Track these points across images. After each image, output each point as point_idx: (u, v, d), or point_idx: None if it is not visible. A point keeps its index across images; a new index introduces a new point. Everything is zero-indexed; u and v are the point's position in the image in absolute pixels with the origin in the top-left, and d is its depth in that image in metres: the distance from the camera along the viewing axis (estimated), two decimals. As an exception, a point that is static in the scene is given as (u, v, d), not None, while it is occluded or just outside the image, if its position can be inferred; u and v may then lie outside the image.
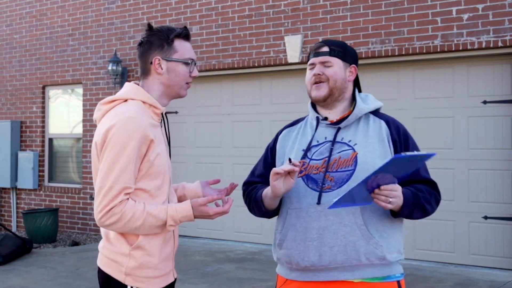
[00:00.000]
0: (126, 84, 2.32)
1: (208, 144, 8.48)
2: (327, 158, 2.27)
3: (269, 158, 2.49)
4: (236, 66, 7.93)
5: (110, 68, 8.65)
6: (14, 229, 9.93)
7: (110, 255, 2.23)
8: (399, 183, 2.13)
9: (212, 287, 5.87)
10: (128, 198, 2.14)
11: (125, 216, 2.11)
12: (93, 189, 9.14)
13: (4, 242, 7.31)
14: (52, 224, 8.81)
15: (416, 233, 6.73)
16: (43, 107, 9.88)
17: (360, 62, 7.69)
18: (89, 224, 9.20)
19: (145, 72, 2.30)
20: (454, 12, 6.45)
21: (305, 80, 2.43)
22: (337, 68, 2.34)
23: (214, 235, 8.34)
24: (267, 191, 2.30)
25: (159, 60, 2.25)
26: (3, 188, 10.18)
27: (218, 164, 8.34)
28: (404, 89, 6.95)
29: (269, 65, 7.70)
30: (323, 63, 2.34)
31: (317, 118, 2.38)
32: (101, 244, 2.30)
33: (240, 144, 8.17)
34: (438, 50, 6.52)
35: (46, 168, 9.84)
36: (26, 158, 9.75)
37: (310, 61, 2.39)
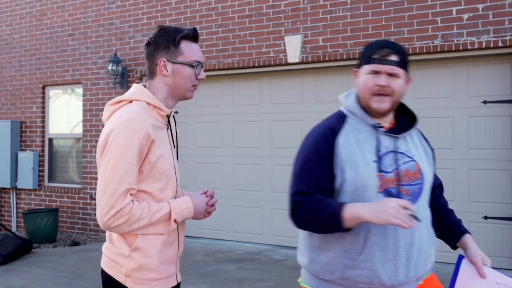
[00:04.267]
0: (134, 85, 2.31)
1: (208, 144, 8.48)
2: (396, 170, 2.15)
3: (327, 168, 2.15)
4: (236, 66, 7.93)
5: (110, 68, 8.65)
6: (14, 229, 9.93)
7: (112, 256, 2.23)
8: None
9: (212, 287, 5.87)
10: (133, 200, 2.13)
11: (133, 216, 2.10)
12: (93, 189, 9.15)
13: (4, 242, 7.31)
14: (52, 224, 8.81)
15: (416, 233, 6.72)
16: (43, 107, 9.88)
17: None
18: (89, 224, 9.20)
19: (152, 73, 2.29)
20: (454, 12, 6.45)
21: (360, 82, 2.21)
22: (402, 80, 2.18)
23: (214, 235, 8.34)
24: (355, 212, 2.01)
25: (164, 61, 2.23)
26: (3, 188, 10.18)
27: (218, 164, 8.34)
28: (404, 89, 6.95)
29: (269, 65, 7.70)
30: (390, 73, 2.16)
31: (375, 126, 2.20)
32: (104, 245, 2.30)
33: (240, 144, 8.17)
34: (438, 50, 6.52)
35: (46, 168, 9.83)
36: (26, 158, 9.75)
37: (375, 68, 2.15)
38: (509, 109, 6.41)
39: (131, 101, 2.23)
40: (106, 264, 2.25)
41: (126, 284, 2.19)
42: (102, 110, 9.08)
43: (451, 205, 7.54)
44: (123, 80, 8.81)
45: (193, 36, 2.26)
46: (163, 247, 2.21)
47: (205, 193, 2.34)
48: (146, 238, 2.17)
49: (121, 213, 2.08)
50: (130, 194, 2.12)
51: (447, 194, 2.48)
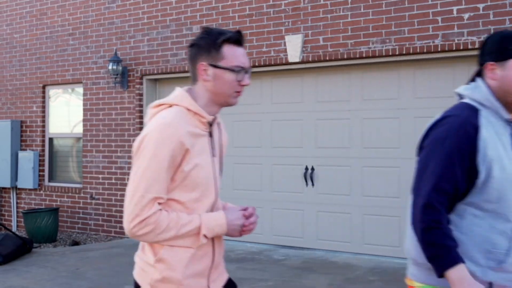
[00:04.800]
0: (176, 88, 2.20)
1: (209, 144, 8.47)
2: None
3: (468, 165, 2.03)
4: (236, 65, 7.91)
5: (110, 67, 8.65)
6: (14, 229, 9.93)
7: (141, 264, 2.17)
8: None
9: (212, 287, 5.86)
10: (161, 209, 2.05)
11: (159, 226, 2.02)
12: (93, 188, 9.15)
13: (4, 242, 7.30)
14: (52, 224, 8.80)
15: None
16: (43, 107, 9.87)
17: (360, 61, 7.68)
18: (89, 224, 9.19)
19: (194, 77, 2.18)
20: (454, 12, 6.44)
21: (502, 75, 2.11)
22: None
23: (214, 235, 8.33)
24: (454, 280, 1.94)
25: (204, 66, 2.12)
26: (3, 188, 10.18)
27: (218, 164, 8.33)
28: (404, 89, 6.94)
29: (270, 65, 7.69)
30: None
31: (508, 120, 2.13)
32: (136, 253, 2.23)
33: (240, 144, 8.17)
34: (439, 49, 6.51)
35: (46, 168, 9.83)
36: (26, 158, 9.75)
37: None
38: (510, 108, 6.39)
39: (171, 106, 2.13)
40: (136, 272, 2.19)
41: None
42: (102, 109, 9.08)
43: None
44: (124, 79, 8.80)
45: (236, 39, 2.14)
46: (192, 260, 2.11)
47: (245, 209, 2.23)
48: (173, 250, 2.09)
49: (147, 222, 2.01)
50: (159, 204, 2.04)
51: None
